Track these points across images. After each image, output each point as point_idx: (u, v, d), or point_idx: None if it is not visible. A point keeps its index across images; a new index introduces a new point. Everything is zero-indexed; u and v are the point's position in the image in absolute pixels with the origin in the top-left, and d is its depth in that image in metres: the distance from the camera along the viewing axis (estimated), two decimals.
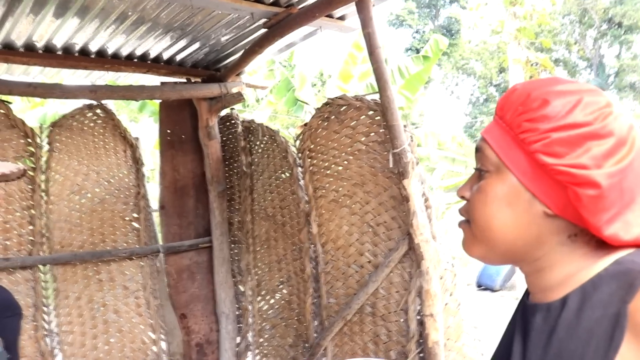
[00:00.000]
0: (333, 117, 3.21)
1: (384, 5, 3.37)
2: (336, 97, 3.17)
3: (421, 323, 3.00)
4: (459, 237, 1.06)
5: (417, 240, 2.88)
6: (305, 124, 3.50)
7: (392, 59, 11.46)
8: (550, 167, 0.84)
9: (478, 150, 0.97)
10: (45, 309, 3.72)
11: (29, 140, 3.71)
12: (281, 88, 10.10)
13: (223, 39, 3.67)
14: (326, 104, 3.22)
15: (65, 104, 8.85)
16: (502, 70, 32.93)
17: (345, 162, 3.22)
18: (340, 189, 3.28)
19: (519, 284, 9.01)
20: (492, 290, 9.76)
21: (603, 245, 0.87)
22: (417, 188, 2.89)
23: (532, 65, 8.52)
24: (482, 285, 9.91)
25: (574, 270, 0.88)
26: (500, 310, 8.32)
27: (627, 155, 0.84)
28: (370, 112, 3.04)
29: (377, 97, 2.95)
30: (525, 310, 0.97)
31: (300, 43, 3.89)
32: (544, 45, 10.32)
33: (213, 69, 4.17)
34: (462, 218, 1.00)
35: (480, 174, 0.96)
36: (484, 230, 0.93)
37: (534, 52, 8.48)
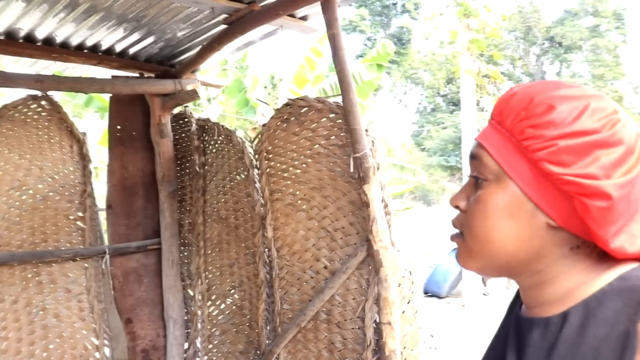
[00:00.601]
0: (293, 118, 3.13)
1: (345, 8, 3.31)
2: (297, 98, 3.10)
3: (378, 331, 2.95)
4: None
5: (376, 246, 2.83)
6: (256, 127, 3.42)
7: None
8: (556, 176, 0.79)
9: (474, 157, 0.91)
10: None
11: None
12: (233, 89, 9.96)
13: (179, 33, 3.54)
14: (286, 104, 3.14)
15: (4, 95, 8.46)
16: (449, 81, 33.65)
17: (304, 165, 3.14)
18: (297, 192, 3.20)
19: (465, 291, 9.14)
20: (439, 297, 9.87)
21: (604, 258, 0.83)
22: (377, 194, 2.84)
23: (483, 76, 8.68)
24: (429, 292, 10.01)
25: (575, 284, 0.84)
26: (447, 318, 8.43)
27: (636, 165, 0.80)
28: (332, 115, 2.98)
29: (339, 99, 2.90)
30: (520, 325, 0.92)
31: (259, 42, 3.80)
32: (494, 58, 10.56)
33: (167, 64, 4.03)
34: (455, 230, 0.95)
35: (476, 183, 0.90)
36: (483, 243, 0.87)
37: (485, 64, 8.65)
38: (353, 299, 3.05)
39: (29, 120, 3.73)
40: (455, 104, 33.36)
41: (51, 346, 3.74)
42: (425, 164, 25.23)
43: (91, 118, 9.74)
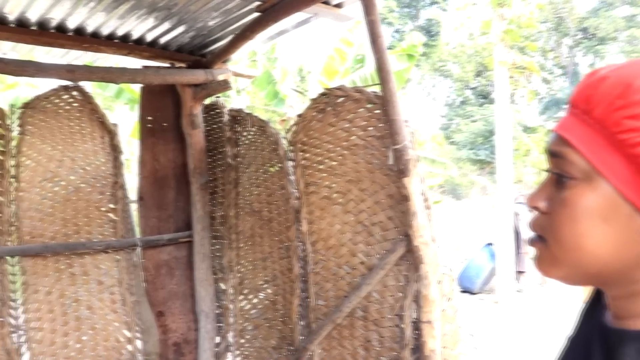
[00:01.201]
0: (329, 108, 3.03)
1: None
2: (334, 88, 3.00)
3: (417, 329, 2.85)
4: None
5: (416, 242, 2.73)
6: (285, 119, 3.33)
7: (371, 57, 11.31)
8: None
9: (556, 154, 0.78)
10: (12, 303, 3.47)
11: None
12: (262, 80, 9.88)
13: (211, 22, 3.46)
14: (323, 94, 3.04)
15: (38, 87, 8.51)
16: (479, 73, 33.16)
17: (340, 157, 3.04)
18: (333, 185, 3.10)
19: (499, 287, 8.96)
20: (471, 293, 9.70)
21: None
22: (417, 187, 2.73)
23: (517, 68, 8.45)
24: (461, 288, 9.84)
25: None
26: (480, 314, 8.27)
27: None
28: (370, 105, 2.87)
29: (377, 89, 2.79)
30: (608, 336, 0.80)
31: (292, 31, 3.71)
32: (528, 49, 10.28)
33: (199, 54, 3.96)
34: (534, 234, 0.83)
35: (559, 182, 0.78)
36: (571, 250, 0.75)
37: (520, 55, 8.43)
38: (391, 295, 2.95)
39: (60, 111, 3.70)
40: (484, 96, 32.88)
41: (84, 338, 3.71)
42: (455, 158, 24.90)
43: (122, 110, 9.76)
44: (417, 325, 2.86)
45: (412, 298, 2.85)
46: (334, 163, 3.07)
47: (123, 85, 8.43)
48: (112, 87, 8.45)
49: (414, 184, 2.70)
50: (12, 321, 3.45)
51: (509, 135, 8.92)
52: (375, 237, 2.98)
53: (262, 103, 10.64)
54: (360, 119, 2.90)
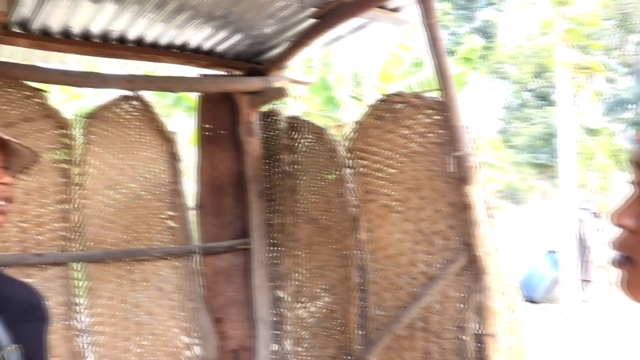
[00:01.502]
0: (388, 115, 2.97)
1: None
2: (392, 94, 2.95)
3: (479, 342, 2.75)
4: None
5: (478, 252, 2.64)
6: (340, 125, 3.29)
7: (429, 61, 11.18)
8: None
9: None
10: (77, 308, 3.55)
11: (64, 131, 3.54)
12: (317, 86, 9.89)
13: (267, 30, 3.47)
14: (381, 100, 2.98)
15: (102, 97, 8.78)
16: (538, 75, 32.26)
17: (399, 165, 2.98)
18: (392, 193, 3.04)
19: (563, 296, 8.62)
20: (533, 302, 9.38)
21: None
22: (480, 195, 2.64)
23: (580, 68, 8.14)
24: (522, 297, 9.54)
25: None
26: (543, 325, 7.98)
27: None
28: (429, 111, 2.80)
29: (437, 94, 2.72)
30: None
31: (348, 37, 3.67)
32: (591, 49, 9.89)
33: (255, 61, 3.97)
34: (619, 254, 0.74)
35: None
36: None
37: (582, 54, 8.12)
38: (452, 307, 2.87)
39: (121, 120, 3.77)
40: (544, 98, 31.94)
41: (144, 342, 3.76)
42: (513, 162, 24.28)
43: (180, 117, 9.94)
44: (479, 338, 2.76)
45: (475, 310, 2.76)
46: (393, 170, 3.01)
47: (181, 94, 8.60)
48: (171, 95, 8.62)
49: (476, 192, 2.61)
50: (77, 325, 3.53)
51: (571, 138, 8.60)
52: (435, 247, 2.90)
53: (317, 109, 10.65)
54: (420, 125, 2.84)
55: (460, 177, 2.62)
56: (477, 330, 2.77)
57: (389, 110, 2.96)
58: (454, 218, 2.81)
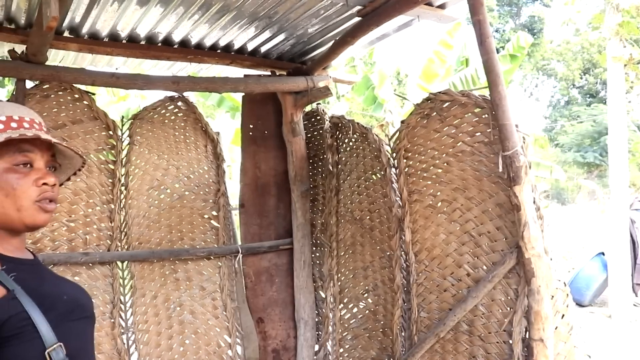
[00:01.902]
0: (434, 114, 2.91)
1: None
2: (439, 92, 2.88)
3: (527, 347, 2.67)
4: None
5: (527, 254, 2.56)
6: (383, 124, 3.23)
7: (477, 57, 11.03)
8: None
9: None
10: (122, 306, 3.61)
11: (111, 132, 3.59)
12: (360, 86, 9.86)
13: (311, 29, 3.45)
14: (427, 99, 2.93)
15: (146, 98, 8.95)
16: (586, 71, 31.43)
17: (446, 164, 2.91)
18: (438, 193, 2.98)
19: (612, 300, 8.33)
20: (581, 305, 9.11)
21: None
22: (529, 196, 2.56)
23: (634, 63, 7.84)
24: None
25: None
26: (591, 329, 7.74)
27: None
28: (477, 110, 2.73)
29: (484, 92, 2.65)
30: None
31: (393, 35, 3.62)
32: None
33: (299, 61, 3.96)
34: None
35: None
36: None
37: (637, 48, 7.80)
38: (499, 310, 2.80)
39: (166, 121, 3.81)
40: (592, 95, 31.13)
41: (187, 341, 3.80)
42: (560, 161, 23.72)
43: (223, 118, 10.05)
44: (527, 342, 2.68)
45: (522, 314, 2.68)
46: (439, 170, 2.95)
47: (224, 94, 8.69)
48: (214, 96, 8.72)
49: (525, 193, 2.53)
50: (122, 323, 3.58)
51: (623, 137, 8.30)
52: (482, 248, 2.83)
53: (360, 108, 10.61)
54: (468, 124, 2.77)
55: (509, 177, 2.55)
56: (525, 335, 2.69)
57: (435, 109, 2.90)
58: (501, 219, 2.73)
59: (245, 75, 3.85)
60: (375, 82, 9.84)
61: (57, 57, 3.71)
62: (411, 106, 10.91)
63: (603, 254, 9.05)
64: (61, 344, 1.22)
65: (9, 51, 3.13)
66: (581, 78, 31.94)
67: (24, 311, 1.20)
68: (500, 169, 2.59)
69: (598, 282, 8.96)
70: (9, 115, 1.35)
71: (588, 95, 31.53)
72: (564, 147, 27.05)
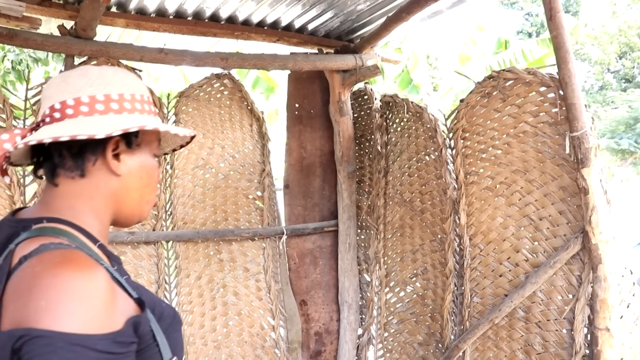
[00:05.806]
0: (496, 92, 2.80)
1: None
2: (503, 70, 2.76)
3: (590, 336, 2.57)
4: None
5: (595, 239, 2.46)
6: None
7: (514, 42, 10.83)
8: None
9: None
10: (167, 286, 3.59)
11: (156, 110, 3.55)
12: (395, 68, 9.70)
13: (360, 6, 3.35)
14: (489, 77, 2.81)
15: (179, 80, 8.90)
16: (622, 55, 30.62)
17: (506, 146, 2.81)
18: (497, 175, 2.88)
19: None
20: None
21: None
22: (597, 179, 2.45)
23: None
24: None
25: None
26: None
27: None
28: (542, 89, 2.62)
29: (552, 70, 2.53)
30: None
31: (447, 12, 3.51)
32: None
33: (346, 39, 3.87)
34: None
35: None
36: None
37: None
38: (559, 297, 2.70)
39: (212, 99, 3.75)
40: (628, 80, 30.37)
41: (230, 323, 3.77)
42: None
43: (258, 99, 9.98)
44: (590, 331, 2.59)
45: (586, 301, 2.58)
46: (499, 151, 2.84)
47: (260, 74, 8.61)
48: (249, 77, 8.64)
49: (594, 175, 2.42)
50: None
51: None
52: (542, 233, 2.73)
53: (392, 90, 10.45)
54: (531, 103, 2.65)
55: (577, 159, 2.44)
56: (588, 324, 2.59)
57: (497, 87, 2.79)
58: (564, 203, 2.63)
59: (291, 53, 3.77)
60: (409, 65, 9.68)
61: (102, 36, 3.67)
62: (446, 89, 10.71)
63: None
64: (175, 357, 1.07)
65: (59, 26, 3.10)
66: (617, 62, 31.14)
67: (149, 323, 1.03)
68: (567, 151, 2.48)
69: (637, 273, 8.76)
70: (132, 93, 1.15)
71: (624, 80, 30.76)
72: (598, 134, 26.48)
